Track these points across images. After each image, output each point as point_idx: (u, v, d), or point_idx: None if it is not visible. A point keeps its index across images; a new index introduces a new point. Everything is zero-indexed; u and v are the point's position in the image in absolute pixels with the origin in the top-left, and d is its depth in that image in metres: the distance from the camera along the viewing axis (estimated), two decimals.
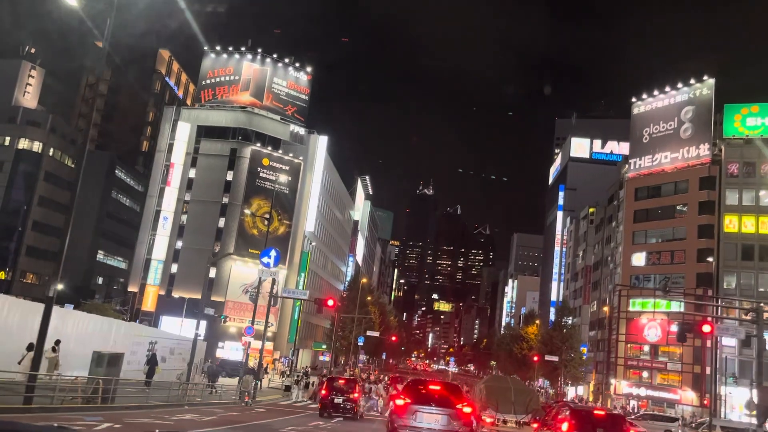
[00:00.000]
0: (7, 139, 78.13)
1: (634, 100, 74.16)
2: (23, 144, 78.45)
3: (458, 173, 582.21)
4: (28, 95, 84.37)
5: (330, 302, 33.83)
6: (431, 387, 14.16)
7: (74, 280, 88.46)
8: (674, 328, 64.14)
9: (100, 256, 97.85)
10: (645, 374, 65.75)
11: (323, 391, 26.07)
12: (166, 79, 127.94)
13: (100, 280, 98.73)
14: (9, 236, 77.75)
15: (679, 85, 69.97)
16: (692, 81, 68.86)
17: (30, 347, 17.16)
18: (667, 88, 70.95)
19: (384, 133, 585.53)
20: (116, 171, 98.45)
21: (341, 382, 26.88)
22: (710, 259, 62.14)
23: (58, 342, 19.72)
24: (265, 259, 23.56)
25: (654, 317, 65.23)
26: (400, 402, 13.46)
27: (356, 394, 25.90)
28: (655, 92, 72.08)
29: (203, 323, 68.67)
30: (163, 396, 22.74)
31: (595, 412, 14.88)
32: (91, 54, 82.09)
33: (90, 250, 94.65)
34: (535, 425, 20.39)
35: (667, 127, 69.98)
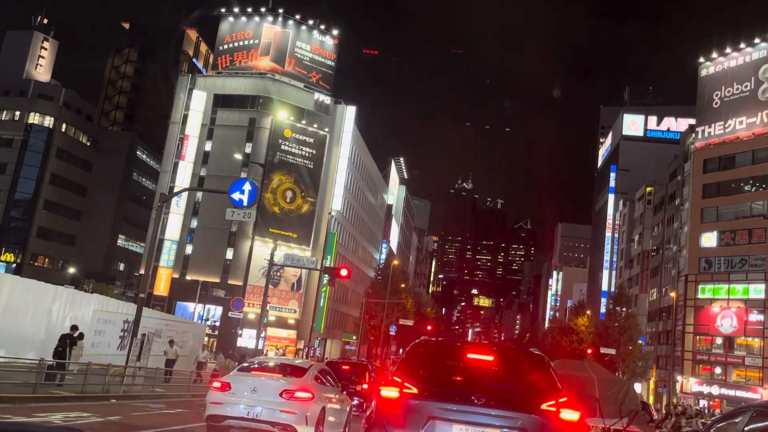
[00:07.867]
0: (17, 113, 73.51)
1: (701, 60, 65.33)
2: (34, 118, 73.69)
3: (498, 167, 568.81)
4: (41, 68, 79.75)
5: (344, 271, 26.95)
6: (471, 356, 6.18)
7: (94, 266, 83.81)
8: (754, 317, 56.13)
9: (121, 241, 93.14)
10: (718, 370, 57.33)
11: None
12: (194, 60, 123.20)
13: (122, 266, 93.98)
14: (19, 216, 73.18)
15: (756, 40, 61.04)
16: None
17: None
18: (742, 44, 62.04)
19: (419, 122, 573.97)
20: (137, 152, 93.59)
21: (345, 368, 19.57)
22: None
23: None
24: (236, 195, 16.72)
25: (728, 305, 56.83)
26: (390, 394, 5.80)
27: (366, 386, 18.74)
28: (727, 50, 63.16)
29: (219, 309, 63.90)
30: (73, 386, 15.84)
31: None
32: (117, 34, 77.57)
33: (111, 234, 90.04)
34: None
35: (741, 88, 61.21)
